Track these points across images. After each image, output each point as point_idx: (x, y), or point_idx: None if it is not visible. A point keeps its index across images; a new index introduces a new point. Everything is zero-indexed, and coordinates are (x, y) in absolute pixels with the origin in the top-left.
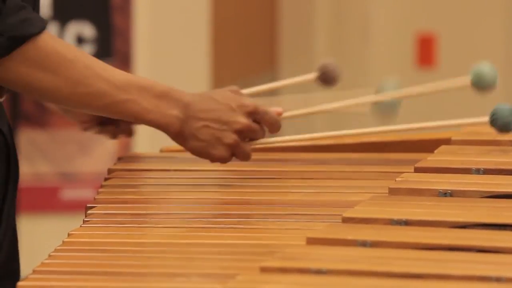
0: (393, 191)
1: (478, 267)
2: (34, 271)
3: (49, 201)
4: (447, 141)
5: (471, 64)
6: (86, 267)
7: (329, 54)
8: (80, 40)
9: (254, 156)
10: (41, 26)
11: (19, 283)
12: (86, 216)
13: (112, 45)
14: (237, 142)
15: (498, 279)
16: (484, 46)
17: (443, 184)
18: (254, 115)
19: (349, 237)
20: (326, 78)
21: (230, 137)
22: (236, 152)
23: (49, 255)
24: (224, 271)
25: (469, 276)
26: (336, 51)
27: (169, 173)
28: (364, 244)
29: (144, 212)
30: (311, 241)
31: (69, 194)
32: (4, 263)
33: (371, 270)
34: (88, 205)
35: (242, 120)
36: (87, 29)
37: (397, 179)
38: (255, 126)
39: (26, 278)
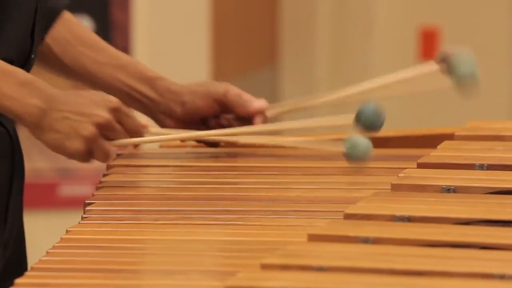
0: (395, 187)
1: (481, 264)
2: (32, 268)
3: (48, 197)
4: (450, 137)
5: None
6: (84, 264)
7: (331, 49)
8: None
9: (254, 151)
10: None
11: (17, 280)
12: (84, 213)
13: (111, 40)
14: (95, 135)
15: (502, 276)
16: (487, 40)
17: (446, 180)
18: (117, 113)
19: (351, 233)
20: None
21: (88, 129)
22: (93, 148)
23: (47, 252)
24: (224, 268)
25: (473, 273)
26: (338, 46)
27: (168, 169)
28: (366, 240)
29: (143, 208)
30: (313, 238)
31: (68, 190)
32: (11, 260)
33: (373, 267)
34: (86, 201)
35: (103, 114)
36: (86, 23)
37: (399, 175)
38: (116, 124)
39: (24, 275)
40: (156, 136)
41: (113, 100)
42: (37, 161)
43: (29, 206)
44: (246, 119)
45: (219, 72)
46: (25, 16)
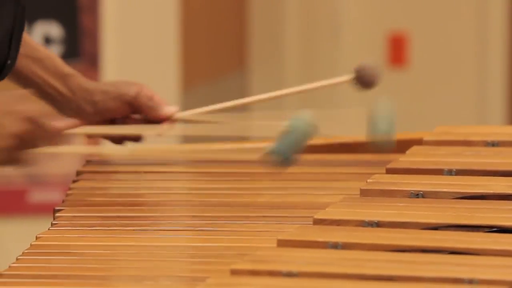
0: (364, 193)
1: (450, 269)
2: (2, 275)
3: (17, 204)
4: (419, 142)
5: (443, 63)
6: (54, 270)
7: (299, 53)
8: (47, 40)
9: (224, 157)
10: None
11: None
12: (54, 219)
13: (79, 46)
14: (12, 146)
15: (471, 281)
16: (455, 45)
17: (415, 185)
18: (33, 122)
19: (320, 239)
20: (363, 81)
21: (4, 140)
22: (11, 158)
23: (17, 259)
24: (193, 274)
25: (442, 278)
26: (307, 51)
27: (137, 175)
28: (335, 246)
29: (113, 214)
30: (282, 243)
31: (37, 196)
32: None
33: (342, 272)
34: (56, 208)
35: (19, 125)
36: (54, 29)
37: (368, 180)
38: (32, 134)
39: None
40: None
41: (29, 109)
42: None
43: None
44: (153, 123)
45: (188, 77)
46: (6, 22)
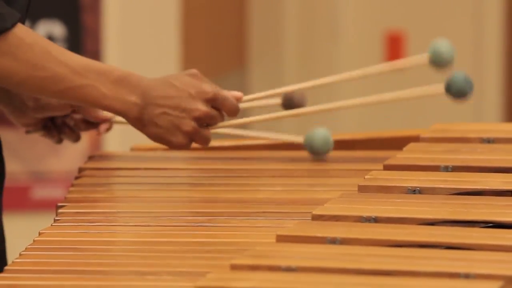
0: (362, 189)
1: (447, 264)
2: (5, 270)
3: (20, 200)
4: (416, 139)
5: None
6: (57, 265)
7: (298, 52)
8: (50, 39)
9: (224, 154)
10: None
11: None
12: (57, 215)
13: (82, 44)
14: (196, 129)
15: (467, 275)
16: (453, 44)
17: (412, 182)
18: (214, 101)
19: (319, 234)
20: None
21: (189, 125)
22: (195, 139)
23: (20, 254)
24: (194, 269)
25: (438, 273)
26: (305, 50)
27: (139, 171)
28: (333, 241)
29: (114, 210)
30: (281, 239)
31: (40, 193)
32: None
33: (340, 267)
34: (58, 204)
35: (201, 108)
36: (58, 28)
37: (366, 177)
38: (214, 112)
39: None
40: (245, 118)
41: (209, 91)
42: (10, 164)
43: (2, 208)
44: (92, 123)
45: None
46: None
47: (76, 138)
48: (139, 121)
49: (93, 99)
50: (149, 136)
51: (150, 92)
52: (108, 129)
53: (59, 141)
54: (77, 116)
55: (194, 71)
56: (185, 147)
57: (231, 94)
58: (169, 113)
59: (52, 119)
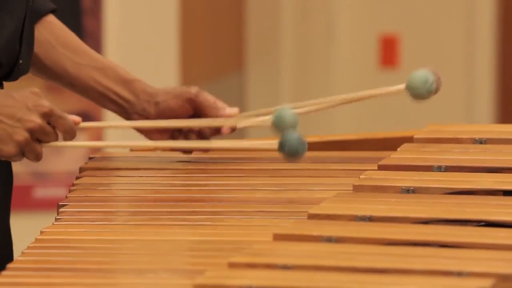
0: (357, 188)
1: (440, 262)
2: (8, 268)
3: (23, 199)
4: (410, 139)
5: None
6: (58, 263)
7: (295, 55)
8: None
9: (222, 154)
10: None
11: None
12: (58, 214)
13: None
14: (28, 140)
15: (459, 273)
16: (445, 47)
17: (406, 181)
18: (49, 117)
19: (315, 233)
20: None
21: (21, 134)
22: (26, 151)
23: (22, 252)
24: (193, 267)
25: (431, 271)
26: (302, 53)
27: (138, 172)
28: (329, 240)
29: (114, 210)
30: (278, 237)
31: (42, 192)
32: None
33: (336, 265)
34: (60, 203)
35: (36, 120)
36: None
37: (361, 177)
38: (48, 128)
39: (0, 275)
40: (79, 142)
41: (45, 105)
42: (13, 165)
43: None
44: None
45: (188, 78)
46: (15, 22)
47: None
48: None
49: None
50: None
51: None
52: (233, 129)
53: (189, 152)
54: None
55: (36, 90)
56: (15, 158)
57: (70, 116)
58: (3, 121)
59: (180, 131)
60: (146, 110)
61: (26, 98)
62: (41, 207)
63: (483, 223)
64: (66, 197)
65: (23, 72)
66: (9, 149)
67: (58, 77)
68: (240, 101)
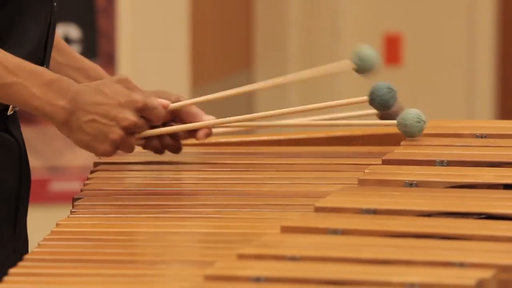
0: (362, 182)
1: (442, 253)
2: (25, 259)
3: (39, 193)
4: None
5: (435, 62)
6: (73, 255)
7: (301, 53)
8: (66, 41)
9: (231, 149)
10: None
11: (11, 270)
12: (73, 207)
13: (97, 46)
14: (123, 138)
15: (461, 264)
16: (447, 46)
17: (409, 175)
18: (143, 111)
19: (321, 225)
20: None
21: (117, 133)
22: (120, 146)
23: (39, 244)
24: (203, 258)
25: (434, 262)
26: (308, 51)
27: (150, 166)
28: (335, 232)
29: (128, 203)
30: (286, 230)
31: (58, 186)
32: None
33: (342, 257)
34: (75, 196)
35: (130, 117)
36: (73, 31)
37: (365, 171)
38: (142, 122)
39: (17, 265)
40: (173, 127)
41: (138, 100)
42: (30, 160)
43: None
44: (191, 131)
45: (198, 75)
46: (41, 27)
47: (178, 148)
48: (66, 126)
49: (22, 99)
50: (75, 142)
51: (80, 97)
52: (207, 135)
53: (161, 151)
54: (175, 125)
55: (124, 77)
56: (110, 154)
57: (159, 102)
58: (98, 121)
59: (151, 128)
60: None
61: (118, 93)
62: (57, 200)
63: (484, 216)
64: (81, 190)
65: None
66: (105, 147)
67: None
68: (248, 98)
